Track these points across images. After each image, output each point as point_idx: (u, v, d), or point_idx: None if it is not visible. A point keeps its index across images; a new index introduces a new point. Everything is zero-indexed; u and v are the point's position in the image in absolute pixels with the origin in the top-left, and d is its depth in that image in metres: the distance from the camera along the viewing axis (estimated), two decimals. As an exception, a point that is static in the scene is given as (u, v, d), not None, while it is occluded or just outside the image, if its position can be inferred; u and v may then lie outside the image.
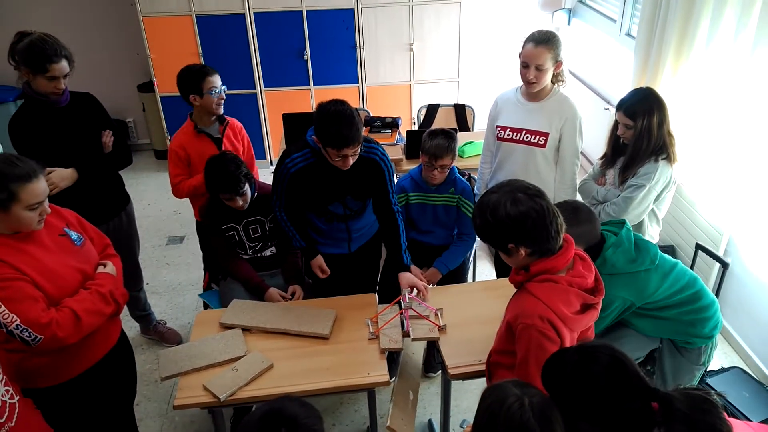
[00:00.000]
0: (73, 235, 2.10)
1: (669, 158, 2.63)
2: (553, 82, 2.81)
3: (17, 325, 1.79)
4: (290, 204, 2.64)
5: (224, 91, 2.94)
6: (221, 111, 2.96)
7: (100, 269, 2.11)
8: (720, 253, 3.14)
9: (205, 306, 3.11)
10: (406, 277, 2.59)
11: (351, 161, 2.38)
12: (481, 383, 2.89)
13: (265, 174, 5.17)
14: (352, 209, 2.68)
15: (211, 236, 2.82)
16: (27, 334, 1.81)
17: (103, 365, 2.17)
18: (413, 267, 2.96)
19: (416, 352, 2.94)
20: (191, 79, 2.85)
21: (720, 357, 3.20)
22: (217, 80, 2.89)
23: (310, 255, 2.73)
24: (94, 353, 2.14)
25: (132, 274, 3.23)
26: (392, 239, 2.69)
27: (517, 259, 1.77)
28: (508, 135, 2.90)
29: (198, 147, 2.92)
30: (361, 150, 2.43)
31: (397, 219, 2.69)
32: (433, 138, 2.84)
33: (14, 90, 5.20)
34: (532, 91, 2.80)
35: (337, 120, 2.27)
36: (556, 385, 1.43)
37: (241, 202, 2.69)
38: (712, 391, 1.37)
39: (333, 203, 2.62)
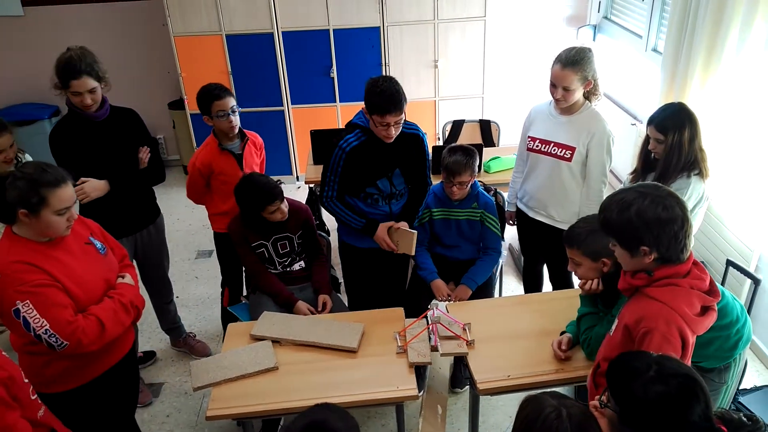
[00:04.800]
0: (98, 244, 2.19)
1: (701, 174, 2.61)
2: (586, 98, 2.82)
3: (46, 329, 1.88)
4: (341, 189, 2.78)
5: (237, 113, 2.91)
6: (235, 132, 2.96)
7: (119, 280, 2.20)
8: (751, 270, 3.10)
9: (232, 319, 3.15)
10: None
11: (393, 132, 2.60)
12: (509, 399, 2.88)
13: (290, 189, 5.25)
14: (396, 188, 2.85)
15: (243, 252, 2.87)
16: (54, 339, 1.89)
17: (114, 372, 2.24)
18: (439, 281, 2.97)
19: (443, 366, 2.95)
20: (202, 100, 2.87)
21: (753, 375, 3.14)
22: (226, 104, 2.85)
23: (371, 230, 2.80)
24: (110, 358, 2.21)
25: (160, 287, 3.29)
26: (414, 204, 2.96)
27: (638, 262, 1.77)
28: (537, 146, 2.92)
29: (221, 163, 2.97)
30: (403, 128, 2.67)
31: (426, 192, 3.00)
32: (452, 154, 2.86)
33: (49, 107, 5.38)
34: (560, 107, 2.83)
35: (384, 89, 2.52)
36: (620, 381, 1.42)
37: (285, 208, 2.76)
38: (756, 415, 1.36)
39: (382, 178, 2.79)
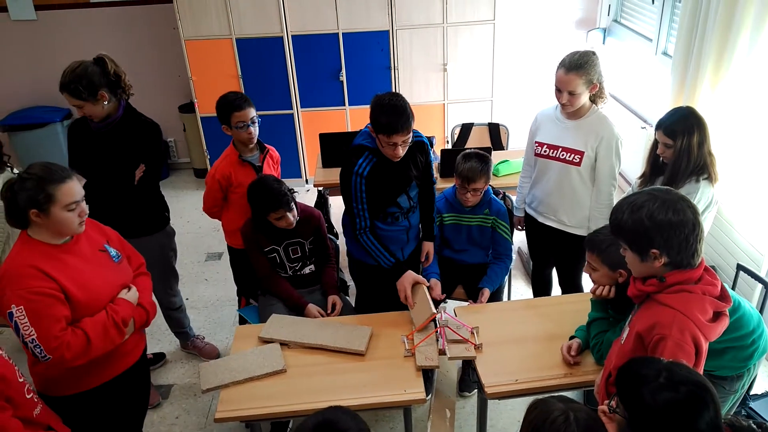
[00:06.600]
0: (112, 251, 2.21)
1: (710, 178, 2.60)
2: (592, 101, 2.81)
3: (33, 339, 1.89)
4: (370, 216, 2.66)
5: (257, 124, 2.90)
6: (253, 143, 2.95)
7: (123, 292, 2.17)
8: (762, 274, 3.07)
9: (242, 321, 3.17)
10: (426, 246, 2.91)
11: (400, 151, 2.49)
12: (517, 403, 2.87)
13: (299, 192, 5.25)
14: (413, 200, 2.78)
15: (254, 256, 2.87)
16: (39, 350, 1.91)
17: (125, 377, 2.26)
18: (436, 282, 2.95)
19: (450, 370, 2.95)
20: (222, 110, 2.85)
21: (765, 380, 3.11)
22: (246, 114, 2.83)
23: (398, 274, 2.62)
24: (120, 364, 2.24)
25: (162, 298, 3.20)
26: (427, 211, 2.90)
27: (648, 267, 1.77)
28: (545, 151, 2.91)
29: (240, 175, 2.94)
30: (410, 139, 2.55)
31: (434, 191, 2.91)
32: (467, 161, 2.84)
33: (61, 110, 5.43)
34: (566, 112, 2.82)
35: (390, 109, 2.42)
36: (630, 386, 1.42)
37: (291, 218, 2.73)
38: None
39: (401, 195, 2.71)
